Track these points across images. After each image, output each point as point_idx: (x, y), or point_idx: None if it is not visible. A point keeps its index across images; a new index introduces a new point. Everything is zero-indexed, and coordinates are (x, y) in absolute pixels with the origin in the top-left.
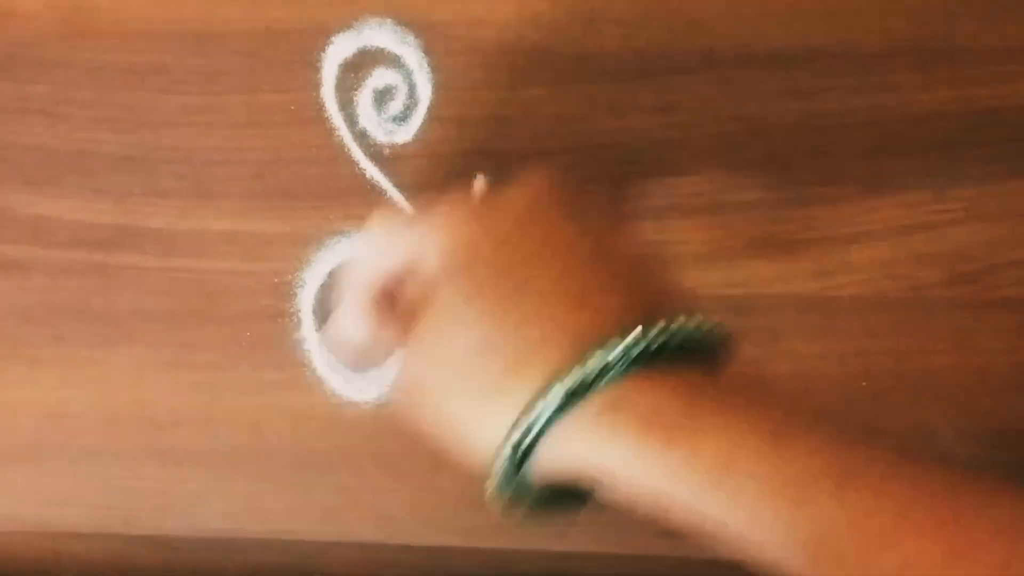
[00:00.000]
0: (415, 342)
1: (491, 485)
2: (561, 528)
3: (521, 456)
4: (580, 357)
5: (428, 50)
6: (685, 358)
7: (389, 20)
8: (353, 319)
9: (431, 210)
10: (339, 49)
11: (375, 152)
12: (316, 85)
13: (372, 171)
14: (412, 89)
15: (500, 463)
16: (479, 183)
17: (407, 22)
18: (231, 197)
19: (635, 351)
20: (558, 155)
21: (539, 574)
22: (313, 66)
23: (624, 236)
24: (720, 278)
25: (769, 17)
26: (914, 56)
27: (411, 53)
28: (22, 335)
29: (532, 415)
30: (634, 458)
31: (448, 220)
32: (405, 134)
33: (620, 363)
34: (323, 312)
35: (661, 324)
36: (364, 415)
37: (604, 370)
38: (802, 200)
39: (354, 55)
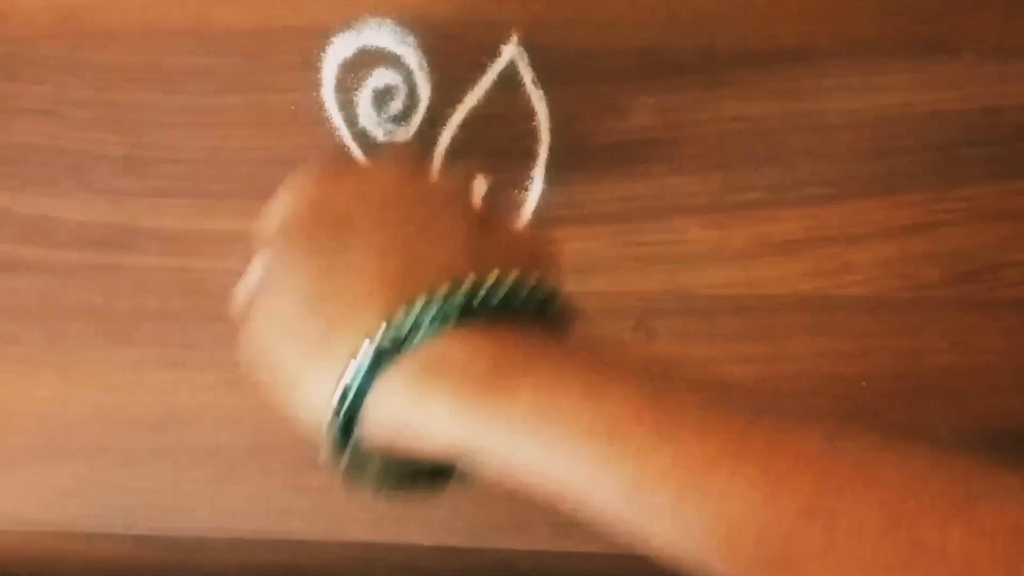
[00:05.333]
0: (254, 302)
1: (324, 450)
2: (560, 528)
3: (347, 419)
4: (391, 314)
5: (428, 50)
6: (524, 319)
7: (389, 20)
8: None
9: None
10: (339, 49)
11: (375, 152)
12: (316, 85)
13: None
14: (412, 89)
15: (327, 426)
16: (479, 183)
17: (407, 22)
18: (231, 197)
19: (450, 307)
20: (558, 155)
21: (539, 574)
22: (313, 66)
23: (465, 201)
24: (720, 278)
25: (769, 17)
26: (914, 56)
27: (411, 53)
28: (22, 335)
29: (348, 376)
30: (448, 414)
31: (293, 187)
32: (405, 134)
33: (432, 320)
34: None
35: (471, 279)
36: None
37: (415, 327)
38: (802, 200)
39: (354, 55)
